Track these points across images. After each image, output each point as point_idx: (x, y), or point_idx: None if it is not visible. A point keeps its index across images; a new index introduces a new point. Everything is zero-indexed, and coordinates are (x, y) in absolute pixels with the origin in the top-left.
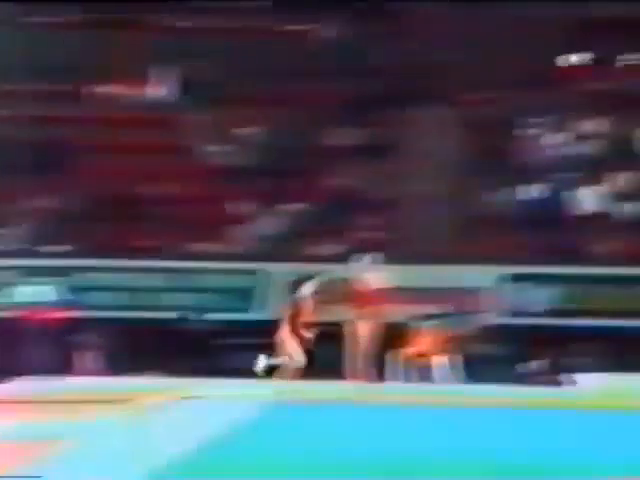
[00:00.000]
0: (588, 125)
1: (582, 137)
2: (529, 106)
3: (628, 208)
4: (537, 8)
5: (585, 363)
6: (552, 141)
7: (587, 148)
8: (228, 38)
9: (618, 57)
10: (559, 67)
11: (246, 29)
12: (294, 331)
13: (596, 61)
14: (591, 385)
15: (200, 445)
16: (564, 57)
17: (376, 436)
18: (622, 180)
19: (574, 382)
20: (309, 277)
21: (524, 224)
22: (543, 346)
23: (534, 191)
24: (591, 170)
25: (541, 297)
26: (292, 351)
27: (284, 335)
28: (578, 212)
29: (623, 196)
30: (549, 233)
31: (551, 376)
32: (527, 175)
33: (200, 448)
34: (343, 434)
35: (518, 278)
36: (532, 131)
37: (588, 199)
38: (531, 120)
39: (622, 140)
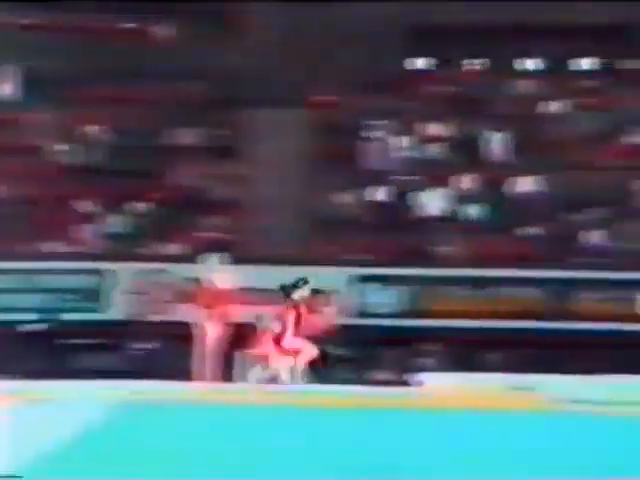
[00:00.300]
0: (432, 128)
1: (427, 140)
2: (374, 109)
3: (473, 210)
4: (381, 11)
5: (432, 363)
6: (397, 144)
7: (432, 151)
8: (70, 36)
9: (460, 61)
10: (403, 71)
11: (87, 27)
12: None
13: (439, 65)
14: (437, 385)
15: (49, 447)
16: (408, 61)
17: (222, 436)
18: (466, 182)
19: (421, 382)
20: (303, 280)
21: (371, 226)
22: (391, 347)
23: (380, 193)
24: (436, 172)
25: (388, 298)
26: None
27: (284, 342)
28: (424, 214)
29: (468, 198)
30: (396, 235)
31: (399, 376)
32: (373, 177)
33: (49, 450)
34: (190, 434)
35: (366, 279)
36: (377, 134)
37: (433, 201)
38: (376, 123)
39: (466, 143)
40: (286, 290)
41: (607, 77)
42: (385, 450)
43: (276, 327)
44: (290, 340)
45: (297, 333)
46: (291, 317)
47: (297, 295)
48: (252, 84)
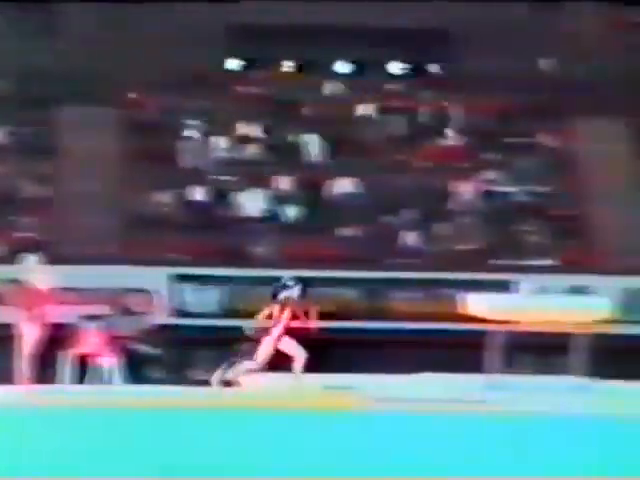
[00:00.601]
0: (250, 129)
1: (244, 140)
2: (191, 108)
3: (290, 211)
4: (200, 11)
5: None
6: (215, 144)
7: (249, 151)
8: None
9: (276, 62)
10: (221, 71)
11: None
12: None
13: (256, 66)
14: (255, 385)
15: None
16: (225, 61)
17: (46, 438)
18: (284, 183)
19: (239, 382)
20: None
21: (188, 226)
22: (209, 347)
23: (198, 193)
24: (254, 173)
25: (207, 298)
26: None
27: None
28: (242, 214)
29: (285, 199)
30: (214, 235)
31: (217, 376)
32: (190, 177)
33: None
34: (11, 437)
35: (183, 279)
36: (195, 133)
37: (252, 202)
38: (194, 122)
39: (283, 144)
40: (274, 291)
41: (417, 80)
42: (202, 450)
43: (267, 326)
44: (279, 342)
45: (285, 334)
46: (282, 317)
47: (284, 296)
48: (66, 82)
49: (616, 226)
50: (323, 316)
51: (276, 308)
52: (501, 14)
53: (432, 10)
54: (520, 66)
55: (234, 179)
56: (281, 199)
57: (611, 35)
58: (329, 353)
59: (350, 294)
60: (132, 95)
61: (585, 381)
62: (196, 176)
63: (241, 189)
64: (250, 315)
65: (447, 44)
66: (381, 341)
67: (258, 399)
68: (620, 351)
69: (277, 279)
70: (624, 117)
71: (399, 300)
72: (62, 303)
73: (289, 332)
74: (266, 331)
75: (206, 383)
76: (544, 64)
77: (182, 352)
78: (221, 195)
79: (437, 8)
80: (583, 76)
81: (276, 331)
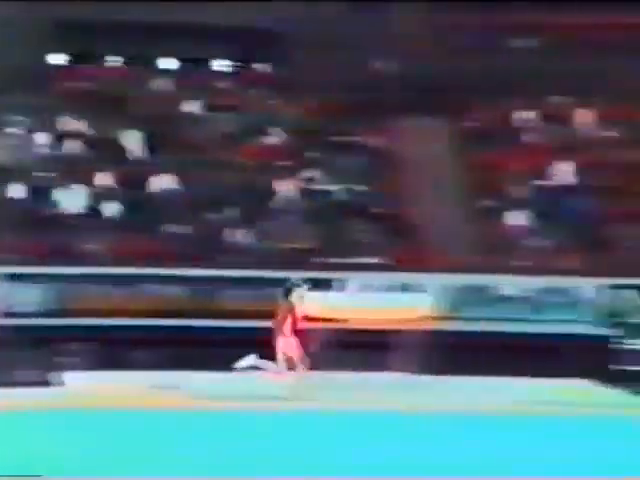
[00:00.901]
0: (72, 125)
1: (66, 136)
2: (12, 104)
3: (114, 208)
4: (23, 7)
5: (76, 362)
6: (36, 140)
7: (69, 147)
8: None
9: (101, 58)
10: (44, 66)
11: None
12: (285, 334)
13: (79, 61)
14: (81, 384)
15: None
16: (48, 56)
17: None
18: (106, 180)
19: (63, 382)
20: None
21: (11, 224)
22: (32, 346)
23: (19, 190)
24: (74, 170)
25: (30, 297)
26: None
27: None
28: (64, 211)
29: (108, 196)
30: (36, 233)
31: (41, 376)
32: (11, 174)
33: None
34: None
35: (7, 278)
36: (15, 130)
37: (72, 198)
38: (14, 119)
39: (106, 140)
40: (284, 291)
41: (243, 79)
42: (28, 451)
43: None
44: (285, 342)
45: (292, 334)
46: (288, 318)
47: (295, 296)
48: None
49: (439, 224)
50: (151, 314)
51: (285, 308)
52: (326, 14)
53: (259, 9)
54: (345, 66)
55: (56, 175)
56: (103, 196)
57: (435, 35)
58: (156, 351)
59: (176, 292)
60: None
61: (411, 377)
62: (17, 173)
63: (63, 185)
64: (76, 313)
65: (273, 43)
66: (209, 340)
67: (83, 399)
68: (447, 347)
69: (101, 277)
70: (447, 117)
71: (226, 298)
72: None
73: (297, 332)
74: (277, 332)
75: (31, 384)
76: (369, 64)
77: (6, 353)
78: (42, 192)
79: (264, 7)
80: (406, 76)
81: (284, 332)
